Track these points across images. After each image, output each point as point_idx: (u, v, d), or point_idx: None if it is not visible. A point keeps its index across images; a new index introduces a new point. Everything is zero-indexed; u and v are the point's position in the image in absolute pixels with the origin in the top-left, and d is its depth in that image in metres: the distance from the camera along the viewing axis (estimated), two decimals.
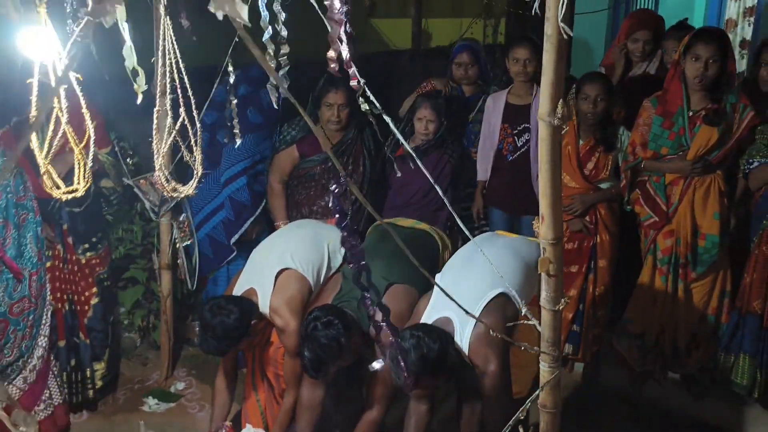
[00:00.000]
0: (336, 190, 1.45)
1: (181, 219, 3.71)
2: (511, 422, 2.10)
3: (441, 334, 2.48)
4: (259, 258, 3.07)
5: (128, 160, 3.71)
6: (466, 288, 2.61)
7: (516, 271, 2.67)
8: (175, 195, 1.79)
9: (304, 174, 3.70)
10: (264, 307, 2.90)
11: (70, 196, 1.79)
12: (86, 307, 3.45)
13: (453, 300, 1.95)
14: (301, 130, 3.70)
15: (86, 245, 3.43)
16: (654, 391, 3.63)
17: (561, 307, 2.10)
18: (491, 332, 2.43)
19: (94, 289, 3.49)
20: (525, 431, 2.34)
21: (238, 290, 2.98)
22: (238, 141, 2.88)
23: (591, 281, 3.62)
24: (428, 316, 2.62)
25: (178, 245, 3.72)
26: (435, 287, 2.66)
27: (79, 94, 1.63)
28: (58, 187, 1.82)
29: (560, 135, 1.93)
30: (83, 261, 3.44)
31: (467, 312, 2.00)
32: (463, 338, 2.52)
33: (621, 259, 3.68)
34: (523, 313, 2.16)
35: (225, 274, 3.84)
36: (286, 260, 2.97)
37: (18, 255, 2.95)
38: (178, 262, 3.71)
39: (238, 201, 3.72)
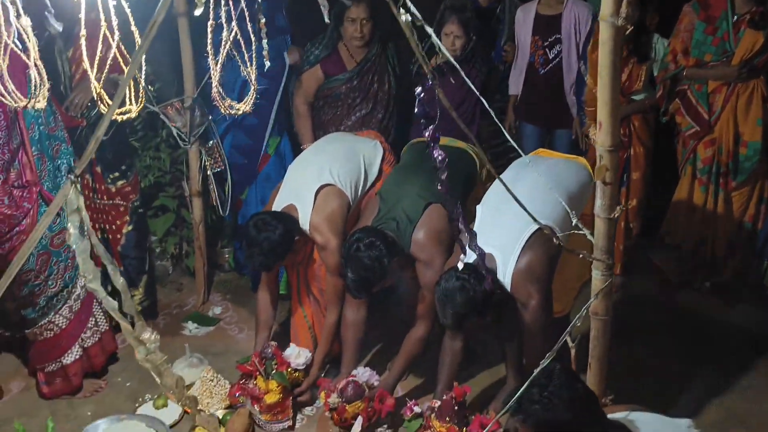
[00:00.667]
0: (422, 95, 1.42)
1: (209, 145, 3.67)
2: (568, 329, 2.13)
3: (483, 270, 2.47)
4: (296, 175, 3.06)
5: (150, 86, 3.64)
6: (507, 221, 2.58)
7: (557, 200, 2.63)
8: (232, 112, 1.75)
9: (329, 94, 3.63)
10: (304, 223, 2.91)
11: (124, 117, 1.75)
12: (118, 236, 3.46)
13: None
14: (324, 49, 3.61)
15: (116, 174, 3.41)
16: (685, 299, 3.69)
17: (616, 215, 2.10)
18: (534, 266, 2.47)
19: (126, 218, 3.49)
20: (572, 341, 2.40)
21: (277, 207, 2.99)
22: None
23: (623, 194, 3.61)
24: (470, 254, 2.62)
25: (208, 171, 3.69)
26: (476, 221, 2.67)
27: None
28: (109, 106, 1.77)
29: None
30: (113, 190, 3.43)
31: None
32: (505, 274, 2.53)
33: (655, 172, 3.66)
34: (574, 223, 2.16)
35: (254, 196, 3.83)
36: (325, 176, 2.96)
37: (54, 187, 2.93)
38: (210, 188, 3.69)
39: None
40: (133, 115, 1.78)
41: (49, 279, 2.97)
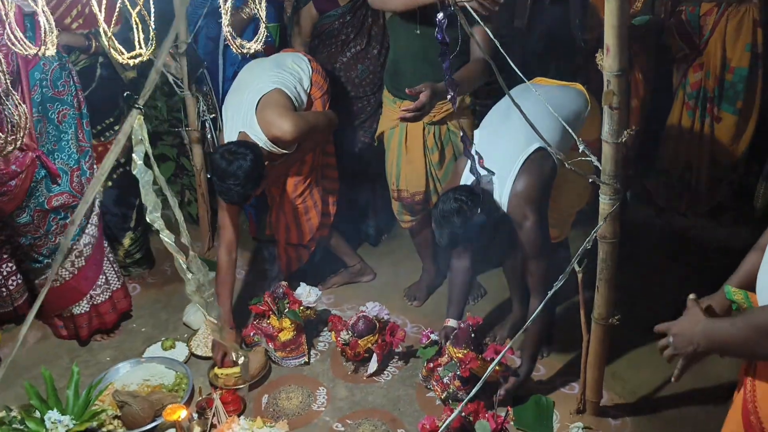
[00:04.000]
0: (443, 20, 1.43)
1: (205, 90, 3.64)
2: (578, 253, 2.19)
3: (479, 192, 2.53)
4: (232, 108, 3.04)
5: (143, 34, 3.57)
6: (504, 145, 2.61)
7: (554, 123, 2.65)
8: (244, 51, 1.75)
9: (323, 31, 3.57)
10: (261, 142, 2.92)
11: (136, 61, 1.74)
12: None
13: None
14: None
15: (99, 127, 3.34)
16: (678, 223, 3.78)
17: (623, 140, 2.13)
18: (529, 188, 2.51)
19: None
20: (579, 265, 2.47)
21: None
22: None
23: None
24: (467, 177, 2.66)
25: (204, 118, 3.67)
26: (474, 144, 2.69)
27: None
28: (121, 53, 1.76)
29: None
30: (100, 149, 3.39)
31: None
32: (502, 196, 2.57)
33: (654, 99, 3.67)
34: (581, 150, 2.20)
35: None
36: (260, 89, 2.96)
37: (54, 151, 2.90)
38: (219, 133, 3.68)
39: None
40: (144, 59, 1.77)
41: (48, 234, 2.98)
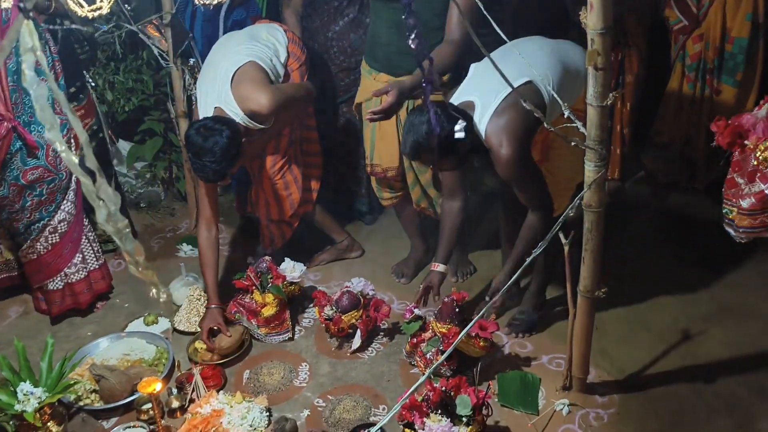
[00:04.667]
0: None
1: (191, 63, 3.57)
2: (561, 218, 2.12)
3: (457, 113, 2.45)
4: (206, 83, 2.94)
5: (126, 5, 3.50)
6: (496, 76, 2.51)
7: (547, 63, 2.55)
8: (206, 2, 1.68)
9: None
10: (238, 117, 2.84)
11: (96, 14, 1.68)
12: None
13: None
14: None
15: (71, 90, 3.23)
16: (676, 200, 3.70)
17: (609, 102, 2.06)
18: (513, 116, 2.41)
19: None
20: (566, 238, 2.40)
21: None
22: None
23: (618, 98, 3.54)
24: (455, 99, 2.59)
25: (191, 91, 3.60)
26: (468, 75, 2.62)
27: None
28: (81, 5, 1.70)
29: None
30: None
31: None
32: (482, 121, 2.47)
33: (651, 74, 3.58)
34: (566, 116, 2.12)
35: None
36: (234, 61, 2.87)
37: (30, 123, 2.83)
38: (194, 108, 3.61)
39: None
40: (104, 11, 1.71)
41: (24, 209, 2.93)
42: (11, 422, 2.50)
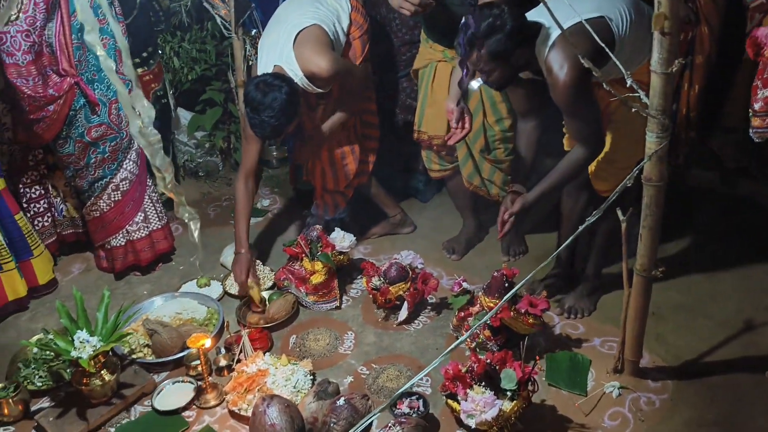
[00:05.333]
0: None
1: (253, 34, 3.60)
2: (617, 189, 2.04)
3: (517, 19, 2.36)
4: (268, 42, 2.95)
5: None
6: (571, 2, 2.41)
7: (625, 7, 2.43)
8: None
9: None
10: (297, 78, 2.85)
11: None
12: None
13: None
14: None
15: (136, 60, 3.30)
16: (746, 188, 3.52)
17: (674, 69, 1.96)
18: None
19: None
20: (623, 214, 2.31)
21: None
22: None
23: (686, 78, 3.38)
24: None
25: (251, 62, 3.65)
26: None
27: None
28: None
29: None
30: (146, 78, 3.38)
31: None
32: (546, 42, 2.38)
33: (723, 55, 3.40)
34: (629, 84, 2.04)
35: None
36: (298, 23, 2.87)
37: (93, 81, 2.92)
38: (252, 66, 3.63)
39: None
40: None
41: (88, 166, 3.04)
42: (68, 369, 2.61)
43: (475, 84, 2.81)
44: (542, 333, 2.75)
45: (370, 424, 2.18)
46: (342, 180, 3.26)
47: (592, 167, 2.67)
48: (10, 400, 2.48)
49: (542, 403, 2.46)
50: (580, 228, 1.89)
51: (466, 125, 2.79)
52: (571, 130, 2.52)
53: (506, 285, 2.65)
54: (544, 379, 2.56)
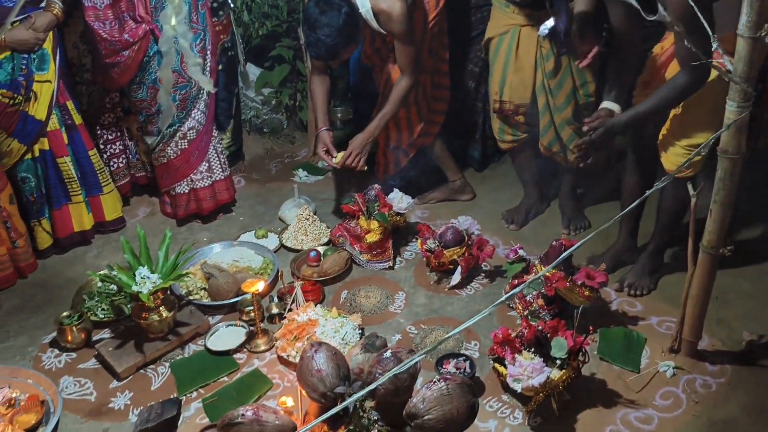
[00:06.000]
0: None
1: None
2: (689, 158, 1.95)
3: None
4: None
5: None
6: None
7: None
8: None
9: None
10: (363, 9, 2.81)
11: None
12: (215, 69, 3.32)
13: None
14: None
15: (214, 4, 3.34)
16: None
17: (763, 34, 1.85)
18: None
19: (216, 57, 3.46)
20: (694, 189, 2.22)
21: None
22: None
23: None
24: None
25: None
26: None
27: None
28: None
29: None
30: (218, 29, 3.41)
31: None
32: None
33: None
34: (714, 47, 1.93)
35: None
36: None
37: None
38: None
39: None
40: None
41: (158, 113, 3.12)
42: (128, 305, 2.72)
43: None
44: (597, 307, 2.68)
45: (415, 380, 2.18)
46: (406, 137, 3.23)
47: (660, 139, 2.56)
48: (74, 328, 2.60)
49: (592, 376, 2.41)
50: (643, 197, 1.81)
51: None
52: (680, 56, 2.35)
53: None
54: (595, 352, 2.50)
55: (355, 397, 1.30)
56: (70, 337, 2.60)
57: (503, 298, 1.50)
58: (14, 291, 2.96)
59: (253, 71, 4.09)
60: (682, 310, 2.38)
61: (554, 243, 2.62)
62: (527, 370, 2.17)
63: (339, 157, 3.11)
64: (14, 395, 2.33)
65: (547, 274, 2.57)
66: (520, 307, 2.66)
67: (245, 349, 2.61)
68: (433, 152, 3.40)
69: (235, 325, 2.70)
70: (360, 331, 2.61)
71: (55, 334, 2.64)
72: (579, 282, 2.52)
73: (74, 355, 2.61)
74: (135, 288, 2.50)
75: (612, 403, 2.31)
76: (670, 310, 2.66)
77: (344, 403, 1.33)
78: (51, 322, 2.70)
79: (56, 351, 2.63)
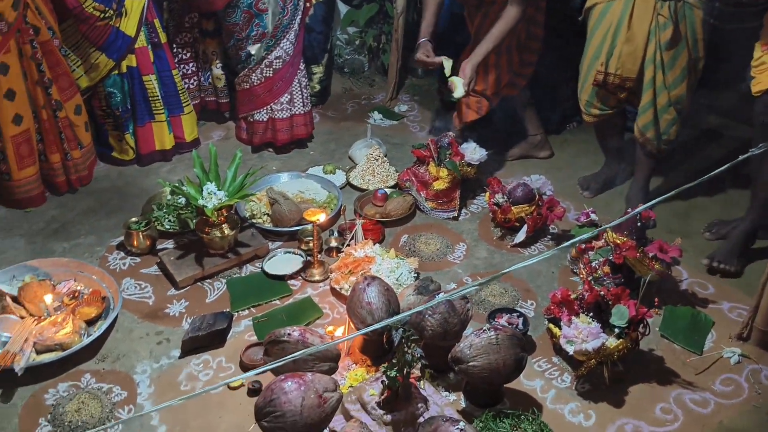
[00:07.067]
0: None
1: None
2: None
3: None
4: None
5: None
6: None
7: None
8: None
9: None
10: None
11: None
12: (308, 4, 3.32)
13: None
14: None
15: None
16: None
17: None
18: None
19: None
20: None
21: None
22: None
23: None
24: None
25: None
26: None
27: None
28: None
29: None
30: None
31: None
32: None
33: None
34: None
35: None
36: None
37: None
38: None
39: None
40: None
41: (248, 38, 3.12)
42: (193, 220, 2.77)
43: None
44: (667, 285, 2.56)
45: (464, 326, 2.14)
46: (492, 84, 3.12)
47: None
48: (140, 234, 2.68)
49: (649, 351, 2.30)
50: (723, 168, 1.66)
51: None
52: None
53: (638, 224, 2.47)
54: (657, 329, 2.39)
55: (397, 318, 1.26)
56: (135, 242, 2.69)
57: (561, 247, 1.42)
58: (90, 194, 3.08)
59: (341, 8, 4.04)
60: (758, 297, 2.23)
61: (629, 210, 2.49)
62: (582, 333, 2.09)
63: (457, 86, 2.93)
64: (79, 288, 2.43)
65: (618, 241, 2.46)
66: (584, 272, 2.55)
67: (300, 277, 2.63)
68: (517, 103, 3.29)
69: (293, 253, 2.72)
70: (415, 274, 2.58)
71: (122, 237, 2.73)
72: (650, 254, 2.40)
73: (138, 259, 2.70)
74: (201, 202, 2.54)
75: (667, 381, 2.21)
76: (744, 298, 2.50)
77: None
78: (120, 226, 2.79)
79: (122, 254, 2.72)
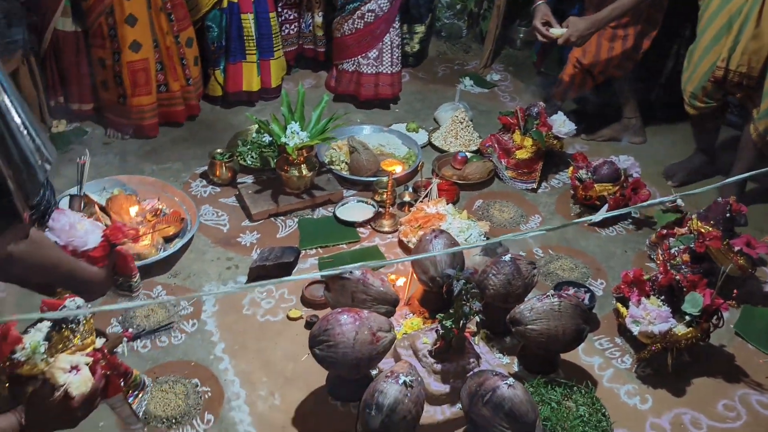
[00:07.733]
0: None
1: None
2: None
3: None
4: None
5: None
6: None
7: None
8: None
9: None
10: None
11: None
12: None
13: None
14: None
15: None
16: None
17: None
18: None
19: None
20: None
21: None
22: None
23: None
24: None
25: None
26: None
27: None
28: None
29: None
30: None
31: None
32: None
33: None
34: None
35: None
36: None
37: None
38: None
39: None
40: None
41: None
42: (274, 159, 2.84)
43: None
44: (749, 285, 2.42)
45: (527, 291, 2.10)
46: (601, 61, 3.02)
47: None
48: (224, 165, 2.77)
49: (720, 347, 2.19)
50: None
51: None
52: None
53: (727, 215, 2.34)
54: (731, 326, 2.27)
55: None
56: (218, 172, 2.78)
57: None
58: (182, 125, 3.20)
59: None
60: None
61: (719, 200, 2.37)
62: (650, 315, 2.01)
63: (558, 32, 2.86)
64: (161, 207, 2.54)
65: (702, 230, 2.34)
66: (662, 258, 2.45)
67: (370, 226, 2.65)
68: (618, 84, 3.17)
69: (366, 202, 2.74)
70: (485, 238, 2.55)
71: (206, 167, 2.83)
72: (736, 248, 2.28)
73: (218, 189, 2.79)
74: (283, 139, 2.59)
75: (734, 379, 2.10)
76: None
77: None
78: (206, 156, 2.89)
79: (204, 182, 2.83)
